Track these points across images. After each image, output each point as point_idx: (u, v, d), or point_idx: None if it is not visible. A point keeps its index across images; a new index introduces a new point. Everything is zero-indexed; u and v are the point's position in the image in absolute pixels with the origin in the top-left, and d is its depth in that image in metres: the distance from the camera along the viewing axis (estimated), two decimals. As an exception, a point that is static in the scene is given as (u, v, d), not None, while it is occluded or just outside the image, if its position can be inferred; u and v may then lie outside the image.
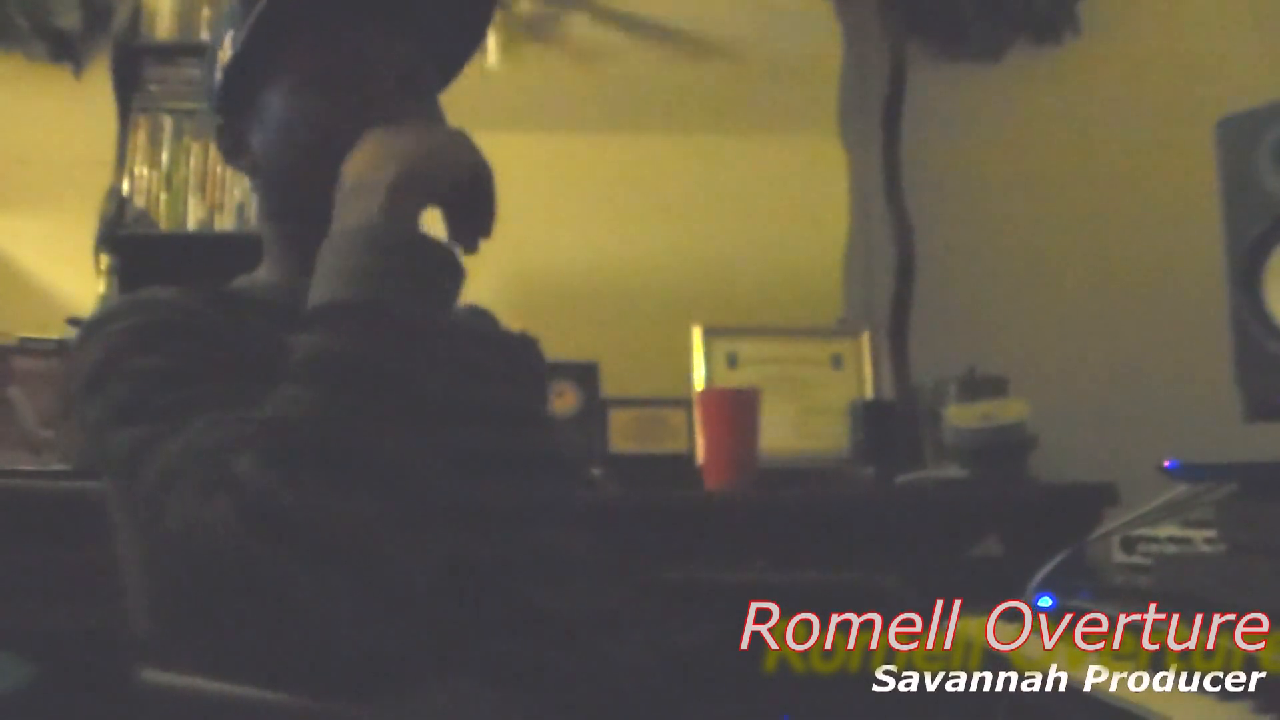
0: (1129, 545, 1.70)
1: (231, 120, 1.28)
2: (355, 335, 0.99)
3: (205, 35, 2.68)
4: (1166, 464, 1.38)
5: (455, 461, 1.09)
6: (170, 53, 2.70)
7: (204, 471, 0.95)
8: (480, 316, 1.46)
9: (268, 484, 0.92)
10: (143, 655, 1.10)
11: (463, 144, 1.11)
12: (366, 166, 1.07)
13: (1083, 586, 1.43)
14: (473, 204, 1.12)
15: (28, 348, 2.36)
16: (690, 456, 2.39)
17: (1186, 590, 1.33)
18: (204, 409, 1.01)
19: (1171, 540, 1.65)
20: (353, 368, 0.98)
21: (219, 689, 1.00)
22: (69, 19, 2.77)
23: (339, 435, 0.95)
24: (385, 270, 1.02)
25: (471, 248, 1.13)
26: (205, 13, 2.70)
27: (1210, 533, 1.57)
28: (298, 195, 1.22)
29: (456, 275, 1.08)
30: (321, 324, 1.00)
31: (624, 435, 2.40)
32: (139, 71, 2.69)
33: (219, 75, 1.27)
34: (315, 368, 0.98)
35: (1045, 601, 1.43)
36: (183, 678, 1.02)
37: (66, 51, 2.80)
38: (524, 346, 1.48)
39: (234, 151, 1.29)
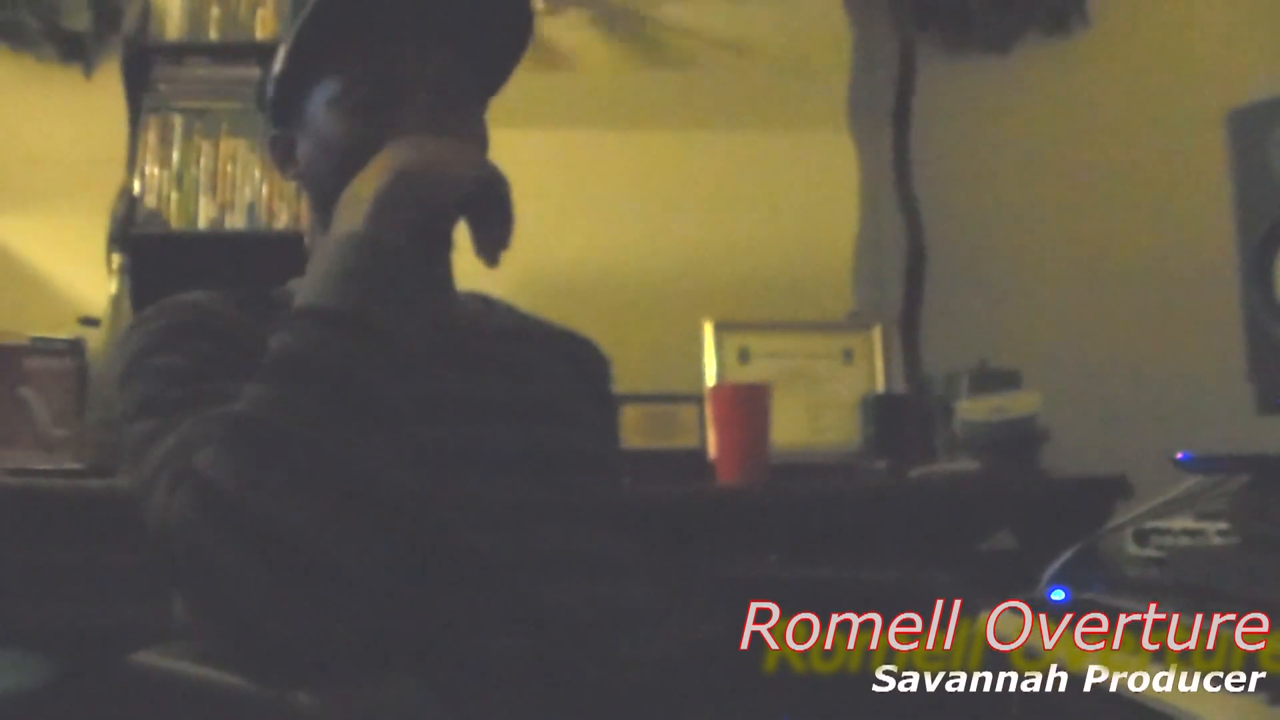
0: (1142, 538, 1.69)
1: (283, 132, 1.33)
2: (314, 338, 1.04)
3: (215, 35, 2.69)
4: (1179, 456, 1.38)
5: (437, 459, 1.13)
6: (180, 52, 2.70)
7: (175, 464, 1.01)
8: (511, 314, 1.48)
9: (219, 476, 0.98)
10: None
11: (467, 156, 1.15)
12: (365, 178, 1.12)
13: (1096, 579, 1.43)
14: (486, 216, 1.15)
15: (40, 347, 2.37)
16: (702, 452, 2.39)
17: (1200, 583, 1.33)
18: (208, 406, 1.05)
19: (1185, 533, 1.64)
20: (308, 368, 1.02)
21: (196, 673, 1.06)
22: (79, 20, 2.77)
23: (287, 431, 1.00)
24: (356, 276, 1.06)
25: (491, 260, 1.17)
26: (215, 12, 2.70)
27: (1223, 525, 1.57)
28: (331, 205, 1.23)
29: (427, 283, 1.12)
30: (289, 326, 1.06)
31: (636, 431, 2.40)
32: (149, 71, 2.69)
33: (271, 88, 1.31)
34: (278, 368, 1.03)
35: (1058, 595, 1.43)
36: (166, 660, 1.09)
37: (76, 52, 2.80)
38: (571, 343, 1.50)
39: (284, 162, 1.34)
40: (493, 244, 1.16)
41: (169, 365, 1.13)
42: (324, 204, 1.24)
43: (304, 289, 1.08)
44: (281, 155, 1.34)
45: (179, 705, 1.08)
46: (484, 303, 1.44)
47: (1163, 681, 1.00)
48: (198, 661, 1.07)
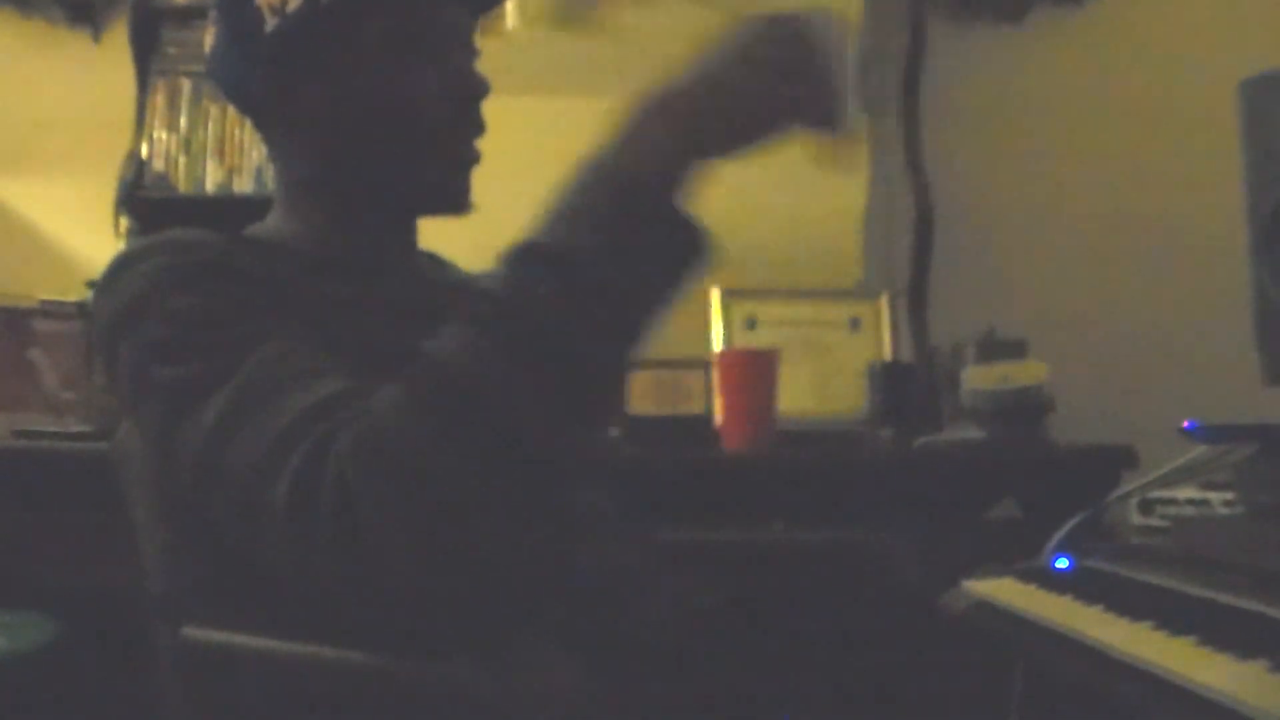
0: (1147, 507, 1.70)
1: (280, 70, 1.20)
2: (558, 297, 0.89)
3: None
4: (1185, 425, 1.38)
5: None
6: (188, 16, 2.69)
7: (335, 419, 0.89)
8: (459, 269, 1.40)
9: (414, 435, 0.86)
10: (165, 613, 1.11)
11: None
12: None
13: (1100, 549, 1.43)
14: None
15: (48, 310, 2.37)
16: (708, 418, 2.39)
17: (1204, 552, 1.33)
18: (242, 352, 0.98)
19: (1190, 502, 1.65)
20: (552, 335, 0.88)
21: (269, 645, 0.99)
22: (87, -17, 2.77)
23: (513, 389, 0.87)
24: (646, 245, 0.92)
25: None
26: (223, -25, 2.69)
27: (1229, 495, 1.57)
28: (357, 158, 1.20)
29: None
30: (551, 267, 0.90)
31: (642, 397, 2.40)
32: (157, 35, 2.69)
33: (274, 21, 1.17)
34: (512, 316, 0.89)
35: (1062, 563, 1.43)
36: (225, 634, 1.01)
37: (85, 16, 2.80)
38: None
39: (274, 102, 1.22)
40: None
41: (189, 305, 1.03)
42: (347, 149, 1.20)
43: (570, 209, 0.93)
44: (272, 95, 1.21)
45: (247, 680, 1.01)
46: (436, 259, 1.40)
47: (1165, 650, 1.00)
48: (256, 632, 1.00)
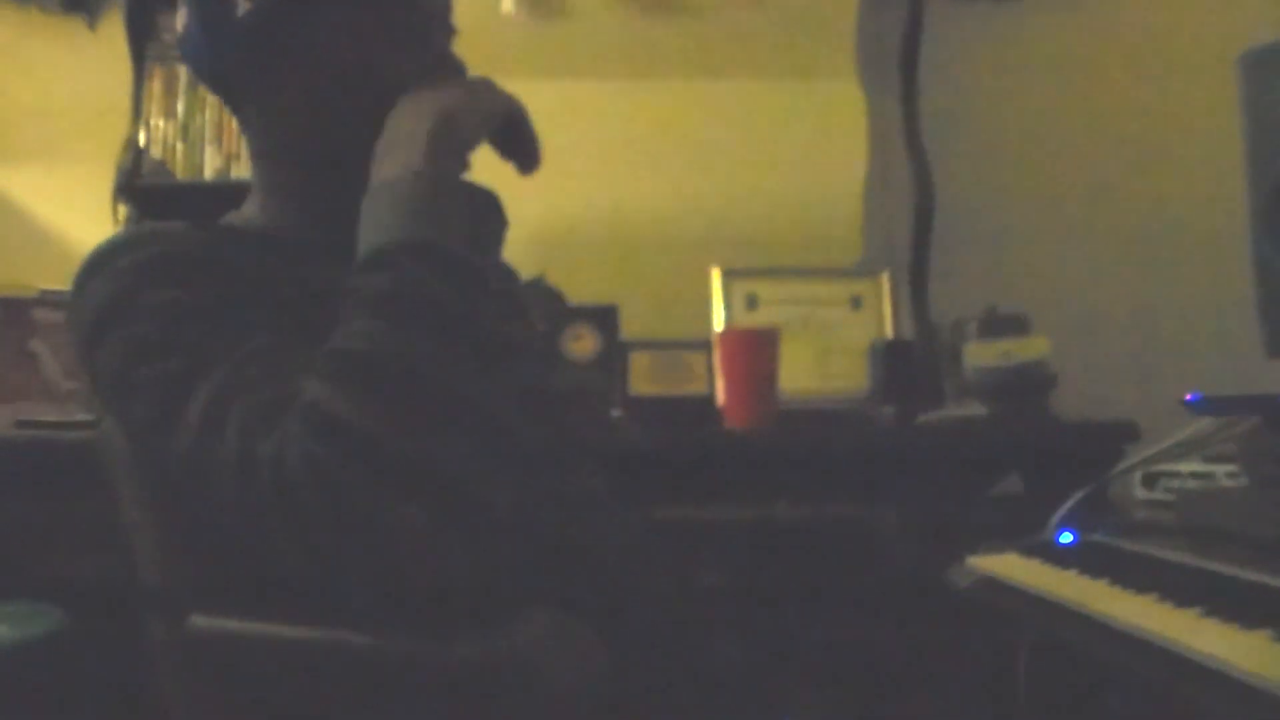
0: (1150, 481, 1.69)
1: (253, 54, 1.19)
2: (421, 273, 1.00)
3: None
4: (1188, 398, 1.38)
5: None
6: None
7: (282, 408, 0.94)
8: None
9: (350, 414, 0.92)
10: (159, 605, 1.11)
11: (494, 91, 1.16)
12: (407, 120, 1.10)
13: (1104, 523, 1.43)
14: (516, 143, 1.20)
15: (48, 299, 2.37)
16: (710, 398, 2.39)
17: (1208, 525, 1.33)
18: (227, 345, 1.00)
19: (1193, 475, 1.65)
20: (423, 304, 0.99)
21: (276, 631, 1.00)
22: (81, -30, 2.76)
23: (416, 368, 0.96)
24: (436, 213, 1.05)
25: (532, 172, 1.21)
26: (218, -40, 2.69)
27: (1232, 467, 1.57)
28: (335, 139, 1.19)
29: (502, 218, 1.13)
30: (386, 264, 1.01)
31: (644, 378, 2.40)
32: (153, 21, 2.68)
33: (246, 4, 1.17)
34: (385, 304, 0.99)
35: (1067, 538, 1.43)
36: (233, 622, 1.02)
37: (80, 3, 2.80)
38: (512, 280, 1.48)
39: (248, 85, 1.22)
40: (532, 161, 1.20)
41: (171, 300, 1.04)
42: (316, 135, 1.20)
43: (372, 231, 1.04)
44: (241, 83, 1.22)
45: (253, 666, 1.02)
46: None
47: (1169, 622, 1.00)
48: (264, 620, 1.00)
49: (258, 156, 1.26)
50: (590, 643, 1.01)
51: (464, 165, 1.12)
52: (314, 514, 0.91)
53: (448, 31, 1.23)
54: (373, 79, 1.16)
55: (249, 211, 1.26)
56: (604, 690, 1.01)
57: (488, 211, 1.12)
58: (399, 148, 1.08)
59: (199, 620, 1.02)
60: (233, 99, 1.25)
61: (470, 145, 1.12)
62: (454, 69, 1.22)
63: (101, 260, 1.09)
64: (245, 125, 1.26)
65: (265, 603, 1.00)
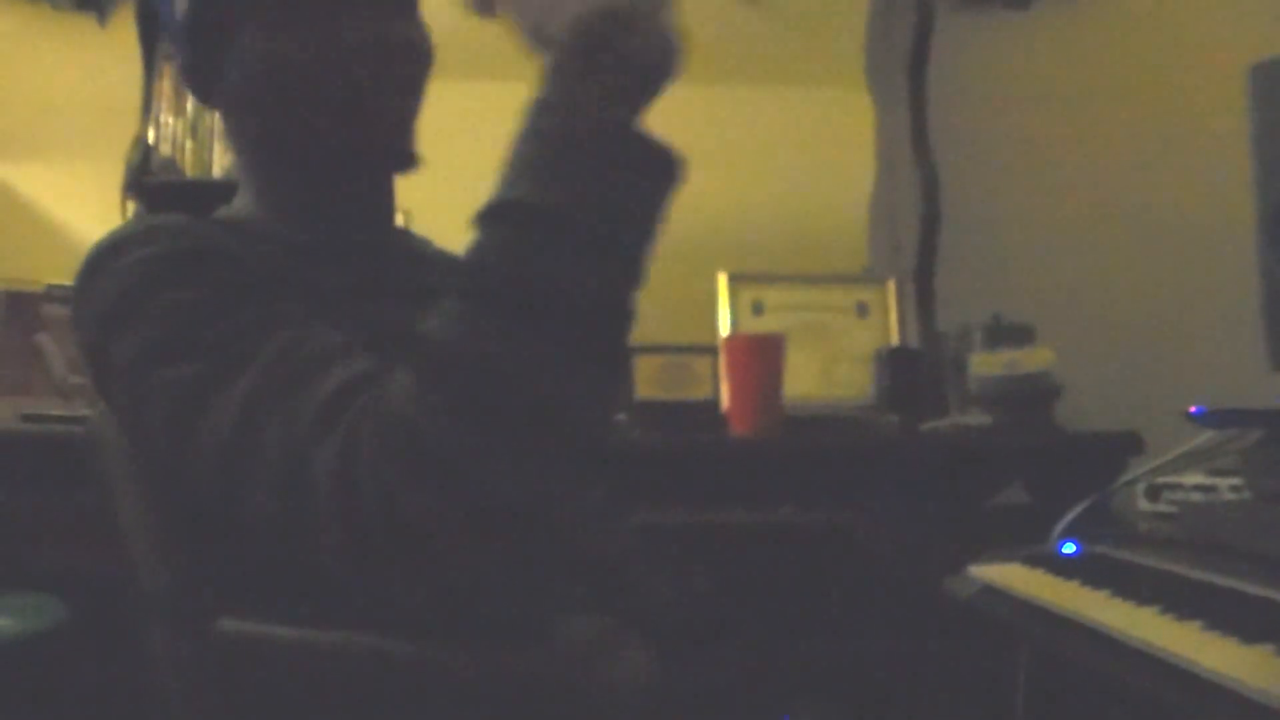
0: (1154, 493, 1.69)
1: (203, 54, 1.19)
2: (550, 257, 0.85)
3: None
4: (1192, 410, 1.38)
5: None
6: (195, -1, 2.69)
7: (355, 414, 0.85)
8: (431, 243, 1.37)
9: (434, 429, 0.81)
10: (164, 607, 1.10)
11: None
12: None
13: (1107, 534, 1.43)
14: None
15: (55, 295, 2.37)
16: (716, 403, 2.40)
17: (1211, 538, 1.33)
18: (245, 345, 0.94)
19: (1197, 488, 1.64)
20: (550, 295, 0.85)
21: (309, 635, 0.98)
22: (92, -33, 2.77)
23: (531, 385, 0.83)
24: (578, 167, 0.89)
25: None
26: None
27: (1236, 480, 1.57)
28: (289, 132, 1.17)
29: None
30: (504, 221, 0.87)
31: (650, 382, 2.40)
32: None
33: (184, 6, 1.18)
34: (498, 290, 0.85)
35: (1069, 548, 1.43)
36: (263, 626, 0.99)
37: (91, 0, 2.80)
38: None
39: (208, 90, 1.22)
40: None
41: (183, 301, 0.98)
42: (269, 129, 1.18)
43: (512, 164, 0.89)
44: (203, 80, 1.21)
45: (289, 672, 1.00)
46: (410, 235, 1.37)
47: (1171, 635, 1.00)
48: (295, 624, 0.98)
49: (233, 151, 1.26)
50: (638, 649, 1.01)
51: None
52: (377, 543, 0.83)
53: (390, 16, 1.17)
54: (303, 65, 1.13)
55: (241, 205, 1.24)
56: (653, 696, 1.01)
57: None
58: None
59: (227, 623, 0.99)
60: (202, 98, 1.25)
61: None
62: (396, 50, 1.16)
63: (107, 255, 1.05)
64: (223, 123, 1.26)
65: (300, 605, 0.97)
